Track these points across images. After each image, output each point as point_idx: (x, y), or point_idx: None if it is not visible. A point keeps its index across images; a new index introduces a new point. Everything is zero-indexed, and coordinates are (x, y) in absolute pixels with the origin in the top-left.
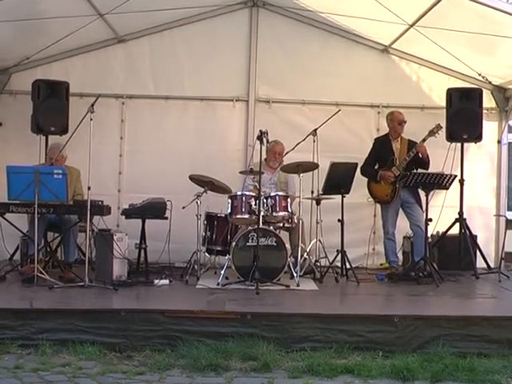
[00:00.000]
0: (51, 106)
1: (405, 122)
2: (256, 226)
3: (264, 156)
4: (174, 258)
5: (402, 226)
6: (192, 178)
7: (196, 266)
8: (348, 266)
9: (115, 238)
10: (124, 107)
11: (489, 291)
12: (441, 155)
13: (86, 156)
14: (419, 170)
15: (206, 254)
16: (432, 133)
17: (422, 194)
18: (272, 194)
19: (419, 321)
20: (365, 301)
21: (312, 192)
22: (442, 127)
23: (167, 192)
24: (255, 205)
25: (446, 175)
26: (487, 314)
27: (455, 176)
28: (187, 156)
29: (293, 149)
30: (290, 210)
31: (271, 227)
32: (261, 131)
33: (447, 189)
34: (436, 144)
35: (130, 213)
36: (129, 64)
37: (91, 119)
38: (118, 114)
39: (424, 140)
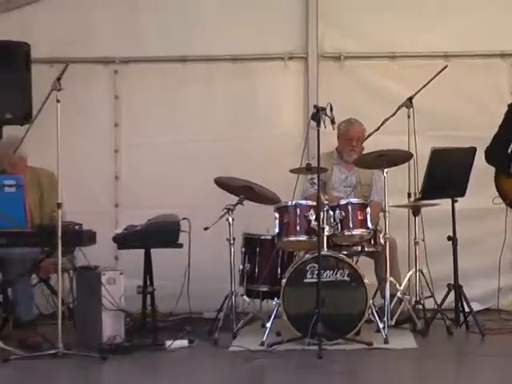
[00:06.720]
0: (4, 81)
1: None
2: (316, 253)
3: (330, 146)
4: (198, 306)
5: None
6: (219, 183)
7: (232, 317)
8: (467, 308)
9: (104, 279)
10: (117, 77)
11: None
12: None
13: (62, 154)
14: None
15: (246, 298)
16: None
17: None
18: (342, 202)
19: None
20: (494, 366)
21: (409, 195)
22: None
23: (182, 205)
24: (316, 220)
25: None
26: None
27: None
28: (213, 149)
29: (377, 129)
30: (370, 224)
31: (343, 253)
32: (316, 107)
33: None
34: None
35: (124, 240)
36: (123, 11)
37: (58, 100)
38: (108, 87)
39: None
